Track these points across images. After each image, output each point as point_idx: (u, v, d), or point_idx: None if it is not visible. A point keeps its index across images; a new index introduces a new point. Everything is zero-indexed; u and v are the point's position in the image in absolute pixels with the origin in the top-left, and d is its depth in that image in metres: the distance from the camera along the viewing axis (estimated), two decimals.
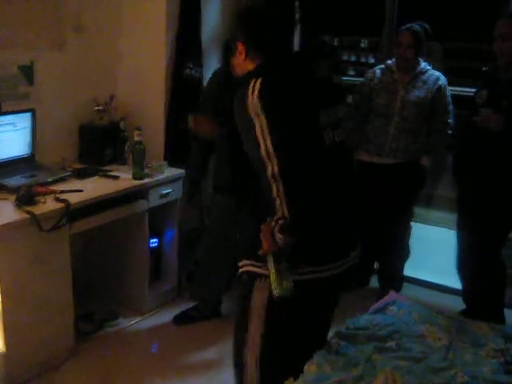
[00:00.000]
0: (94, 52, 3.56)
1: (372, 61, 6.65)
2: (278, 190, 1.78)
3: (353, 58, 6.38)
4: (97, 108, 3.48)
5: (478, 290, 3.40)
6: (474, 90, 3.77)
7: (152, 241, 3.57)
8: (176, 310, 3.60)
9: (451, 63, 5.76)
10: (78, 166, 3.45)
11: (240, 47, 2.07)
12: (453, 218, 3.62)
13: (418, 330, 2.57)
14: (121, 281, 3.56)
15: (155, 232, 3.58)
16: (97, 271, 3.60)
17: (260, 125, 1.80)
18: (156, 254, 3.64)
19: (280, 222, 1.80)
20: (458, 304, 3.63)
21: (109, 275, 3.60)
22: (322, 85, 2.27)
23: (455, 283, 3.91)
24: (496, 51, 3.12)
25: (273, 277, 1.91)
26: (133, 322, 3.47)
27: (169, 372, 3.07)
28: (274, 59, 2.04)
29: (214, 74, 3.32)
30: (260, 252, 1.91)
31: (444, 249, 4.49)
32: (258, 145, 1.80)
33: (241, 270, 2.09)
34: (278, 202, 1.79)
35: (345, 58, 6.06)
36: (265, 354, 2.15)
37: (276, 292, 1.91)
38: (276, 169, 1.78)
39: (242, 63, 2.08)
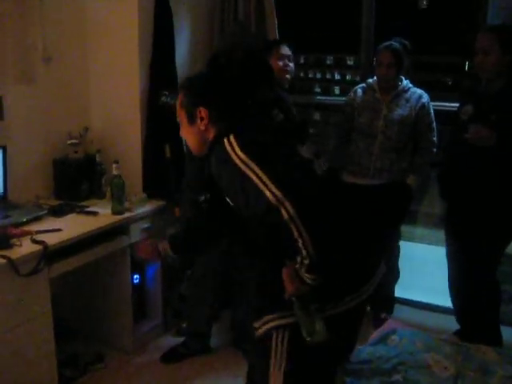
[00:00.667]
0: (65, 83, 3.41)
1: (338, 77, 6.68)
2: (298, 231, 1.71)
3: (318, 76, 6.38)
4: (70, 141, 3.33)
5: (471, 310, 3.32)
6: (445, 103, 3.76)
7: (134, 277, 3.42)
8: (163, 348, 3.44)
9: (421, 77, 5.76)
10: (54, 202, 3.29)
11: (203, 113, 1.98)
12: (437, 234, 3.57)
13: (423, 360, 2.48)
14: (104, 321, 3.40)
15: (136, 268, 3.43)
16: (77, 312, 3.43)
17: (256, 175, 1.75)
18: (139, 290, 3.49)
19: (305, 262, 1.74)
20: (452, 323, 3.54)
21: (91, 315, 3.43)
22: (288, 127, 2.32)
23: (447, 302, 3.85)
24: (477, 65, 3.07)
25: (304, 323, 1.82)
26: (119, 363, 3.30)
27: None
28: (238, 118, 1.99)
29: None
30: (286, 296, 1.83)
31: (431, 266, 4.45)
32: (262, 194, 1.74)
33: (264, 327, 1.97)
34: (300, 242, 1.71)
35: (310, 75, 6.05)
36: None
37: (311, 338, 1.82)
38: (291, 210, 1.70)
39: (202, 131, 2.00)
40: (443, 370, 2.44)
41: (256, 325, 1.99)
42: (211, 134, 1.99)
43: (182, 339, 3.46)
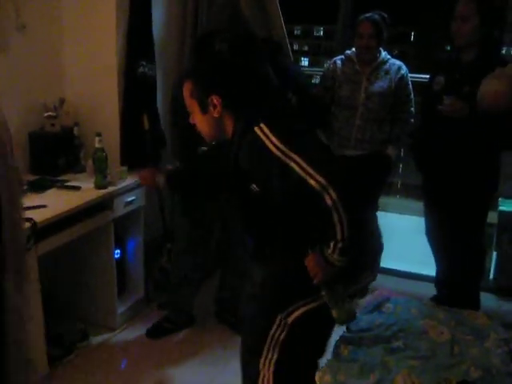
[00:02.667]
0: (39, 53, 3.26)
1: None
2: (339, 216, 1.75)
3: (305, 47, 6.34)
4: (47, 114, 3.20)
5: (454, 277, 3.41)
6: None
7: (115, 252, 3.35)
8: (147, 322, 3.42)
9: None
10: (30, 177, 3.17)
11: (216, 101, 1.93)
12: (415, 205, 3.63)
13: (420, 326, 2.53)
14: (87, 298, 3.33)
15: (117, 242, 3.36)
16: (60, 290, 3.33)
17: (297, 164, 1.75)
18: (119, 265, 3.43)
19: (339, 245, 1.79)
20: (428, 290, 3.65)
21: (73, 293, 3.35)
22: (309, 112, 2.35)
23: (421, 269, 3.96)
24: (454, 33, 3.10)
25: (335, 305, 1.87)
26: (104, 340, 3.26)
27: None
28: (258, 103, 1.96)
29: None
30: (316, 282, 1.88)
31: (404, 235, 4.56)
32: (305, 183, 1.74)
33: (295, 314, 2.00)
34: (338, 227, 1.76)
35: (296, 47, 5.98)
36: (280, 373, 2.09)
37: (341, 319, 1.90)
38: (335, 196, 1.73)
39: (217, 118, 1.96)
40: (440, 335, 2.50)
41: (281, 316, 2.02)
42: (228, 120, 1.95)
43: (165, 313, 3.43)
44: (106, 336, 3.29)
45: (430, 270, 3.69)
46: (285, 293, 2.02)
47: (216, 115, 1.95)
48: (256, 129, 1.82)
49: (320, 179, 1.73)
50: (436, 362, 2.32)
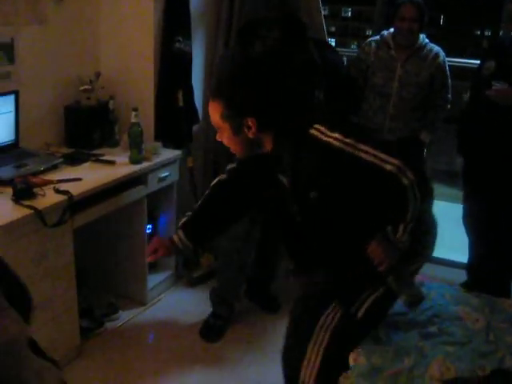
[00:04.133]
0: (76, 25, 3.26)
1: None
2: (414, 194, 1.74)
3: (333, 28, 6.26)
4: (82, 87, 3.20)
5: (490, 263, 3.37)
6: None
7: (147, 227, 3.36)
8: (175, 298, 3.45)
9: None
10: (65, 150, 3.18)
11: (250, 123, 1.82)
12: (444, 190, 3.59)
13: (455, 312, 2.51)
14: (118, 272, 3.35)
15: (149, 218, 3.37)
16: (93, 263, 3.35)
17: (366, 152, 1.74)
18: (150, 240, 3.43)
19: (410, 225, 1.81)
20: (459, 276, 3.62)
21: (105, 267, 3.37)
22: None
23: (453, 256, 3.92)
24: (509, 16, 3.04)
25: (403, 290, 1.94)
26: (134, 314, 3.29)
27: (173, 366, 2.93)
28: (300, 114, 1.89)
29: None
30: (383, 269, 1.89)
31: (441, 222, 4.50)
32: (378, 168, 1.73)
33: (364, 307, 2.02)
34: (411, 206, 1.75)
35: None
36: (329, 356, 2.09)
37: (411, 302, 1.98)
38: (411, 175, 1.73)
39: (252, 138, 1.85)
40: (475, 321, 2.48)
41: (353, 309, 2.02)
42: (266, 137, 1.87)
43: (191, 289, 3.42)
44: (135, 310, 3.31)
45: (460, 256, 3.65)
46: (348, 290, 2.04)
47: (251, 136, 1.85)
48: (312, 131, 1.77)
49: (395, 162, 1.72)
50: (471, 348, 2.30)
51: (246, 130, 1.85)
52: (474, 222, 3.38)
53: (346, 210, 1.87)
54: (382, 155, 1.73)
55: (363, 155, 1.73)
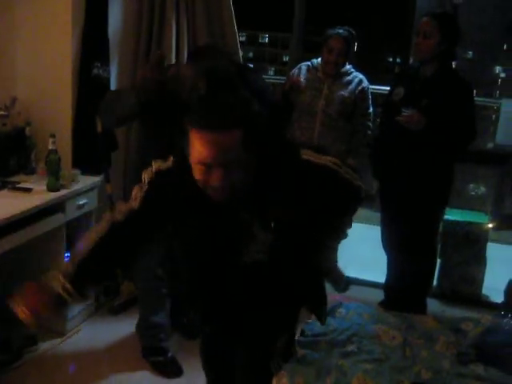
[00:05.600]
0: None
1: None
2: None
3: (250, 54, 6.37)
4: None
5: (406, 281, 3.50)
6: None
7: (66, 255, 3.29)
8: (97, 328, 3.37)
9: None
10: None
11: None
12: (362, 213, 3.70)
13: (373, 331, 2.61)
14: None
15: (68, 246, 3.30)
16: (9, 294, 3.23)
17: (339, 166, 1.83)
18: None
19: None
20: (375, 296, 3.75)
21: None
22: None
23: (371, 276, 4.04)
24: (415, 46, 3.24)
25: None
26: (53, 345, 3.19)
27: None
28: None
29: None
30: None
31: (358, 243, 4.66)
32: (350, 183, 1.85)
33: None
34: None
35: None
36: None
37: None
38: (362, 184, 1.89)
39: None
40: (392, 339, 2.58)
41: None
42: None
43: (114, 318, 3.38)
44: (55, 341, 3.22)
45: (379, 276, 3.77)
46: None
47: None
48: (304, 156, 1.75)
49: (356, 176, 1.87)
50: (389, 364, 2.39)
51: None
52: (389, 243, 3.53)
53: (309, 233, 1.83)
54: (350, 170, 1.87)
55: (340, 171, 1.81)
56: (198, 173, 1.60)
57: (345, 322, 2.66)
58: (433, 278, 3.56)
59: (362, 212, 4.79)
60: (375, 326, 2.65)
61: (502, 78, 18.63)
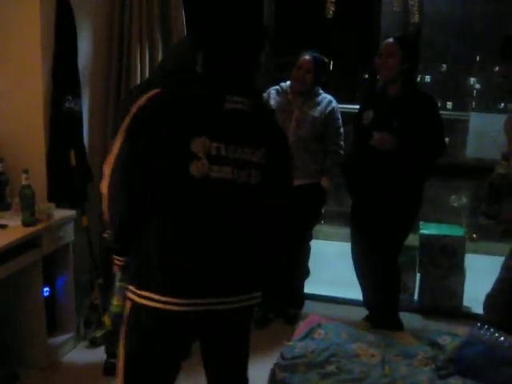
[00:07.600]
0: None
1: None
2: None
3: None
4: None
5: (376, 297, 3.55)
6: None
7: (44, 290, 3.28)
8: (78, 362, 3.34)
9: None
10: None
11: None
12: (339, 231, 3.76)
13: (352, 350, 2.64)
14: (16, 338, 3.22)
15: (46, 280, 3.29)
16: None
17: None
18: (49, 303, 3.35)
19: None
20: (358, 313, 3.77)
21: (1, 334, 3.24)
22: None
23: (351, 294, 4.06)
24: (378, 66, 3.31)
25: None
26: (35, 381, 3.16)
27: None
28: None
29: None
30: None
31: (334, 261, 4.69)
32: None
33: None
34: None
35: None
36: None
37: None
38: None
39: None
40: (371, 357, 2.61)
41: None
42: None
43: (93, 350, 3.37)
44: (37, 377, 3.18)
45: (357, 293, 3.80)
46: None
47: None
48: None
49: None
50: (369, 383, 2.41)
51: None
52: (360, 261, 3.57)
53: None
54: None
55: None
56: None
57: (323, 342, 2.69)
58: (398, 294, 3.58)
59: (341, 230, 4.89)
60: (354, 345, 2.68)
61: (476, 89, 18.86)
